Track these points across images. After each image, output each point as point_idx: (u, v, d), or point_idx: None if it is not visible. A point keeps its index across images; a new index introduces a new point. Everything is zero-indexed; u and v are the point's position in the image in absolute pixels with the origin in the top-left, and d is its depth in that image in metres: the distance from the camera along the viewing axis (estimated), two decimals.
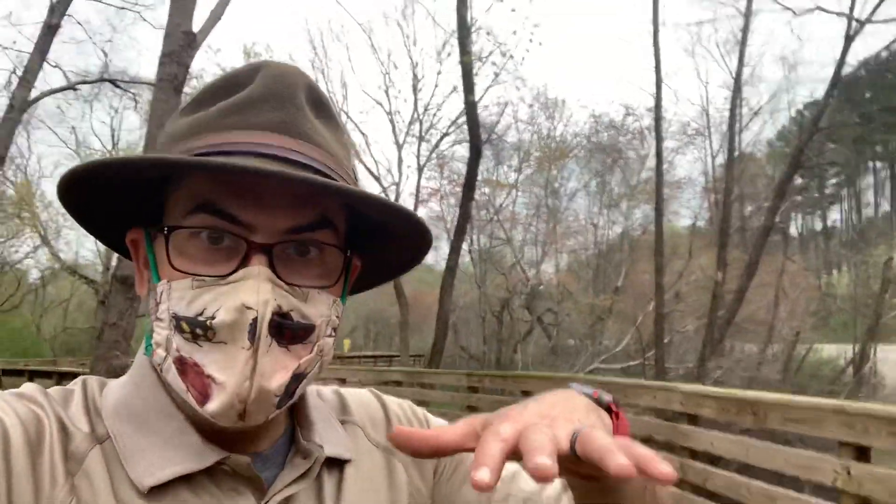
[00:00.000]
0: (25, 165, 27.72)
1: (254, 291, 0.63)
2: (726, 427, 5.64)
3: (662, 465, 0.44)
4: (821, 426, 4.08)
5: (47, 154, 50.38)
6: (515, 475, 0.83)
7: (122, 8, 15.98)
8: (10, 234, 28.53)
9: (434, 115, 24.52)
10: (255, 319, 0.62)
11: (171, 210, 0.68)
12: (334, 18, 44.50)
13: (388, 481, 0.81)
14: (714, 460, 5.42)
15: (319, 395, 0.84)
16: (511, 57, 19.57)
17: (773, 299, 24.60)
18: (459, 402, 10.09)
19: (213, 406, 0.63)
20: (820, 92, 16.85)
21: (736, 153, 23.01)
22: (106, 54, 17.53)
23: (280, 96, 0.69)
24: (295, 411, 0.77)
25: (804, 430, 4.35)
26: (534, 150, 28.79)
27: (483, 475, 0.43)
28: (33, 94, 13.12)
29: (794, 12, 16.71)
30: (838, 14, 15.95)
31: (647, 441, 5.77)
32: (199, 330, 0.63)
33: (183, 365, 0.64)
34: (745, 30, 18.57)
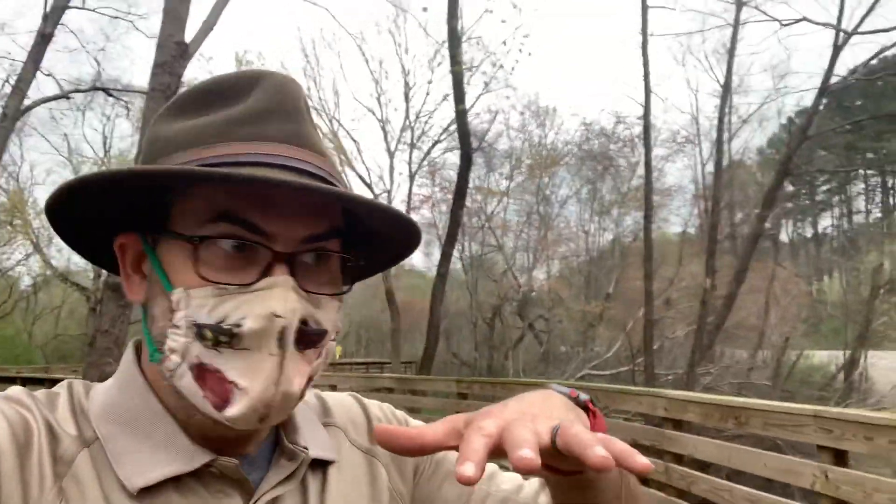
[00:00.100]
0: (17, 173, 27.71)
1: (282, 300, 0.64)
2: (717, 433, 5.73)
3: (639, 458, 0.47)
4: (800, 431, 4.16)
5: (40, 161, 50.22)
6: (494, 475, 0.85)
7: (116, 17, 16.08)
8: (2, 241, 28.46)
9: (426, 122, 24.60)
10: (283, 327, 0.64)
11: (180, 218, 0.68)
12: (326, 27, 44.50)
13: (370, 483, 0.82)
14: (704, 466, 5.50)
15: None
16: (501, 67, 19.69)
17: (764, 306, 24.71)
18: (450, 408, 10.14)
19: (233, 411, 0.64)
20: (810, 100, 17.03)
21: (726, 161, 23.18)
22: (99, 63, 17.69)
23: (286, 107, 0.70)
24: None
25: (784, 434, 4.43)
26: (525, 157, 28.89)
27: (467, 469, 0.45)
28: (26, 102, 13.15)
29: (781, 23, 16.86)
30: (824, 25, 16.11)
31: (633, 445, 5.84)
32: (223, 337, 0.64)
33: (202, 371, 0.65)
34: (734, 39, 18.74)
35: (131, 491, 0.64)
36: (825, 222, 58.82)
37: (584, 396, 0.64)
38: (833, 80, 16.75)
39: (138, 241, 0.72)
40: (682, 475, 5.28)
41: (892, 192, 55.67)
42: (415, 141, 24.73)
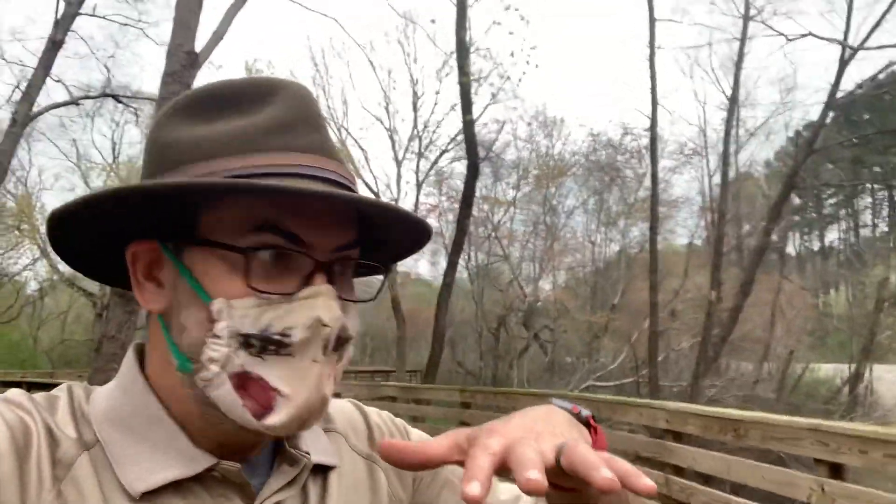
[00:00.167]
0: (26, 178, 27.87)
1: (328, 309, 0.66)
2: (721, 445, 5.74)
3: (644, 480, 0.47)
4: (798, 444, 4.19)
5: (48, 167, 50.51)
6: (492, 486, 0.87)
7: (126, 25, 16.18)
8: (10, 245, 28.66)
9: (433, 131, 24.68)
10: (329, 335, 0.66)
11: (214, 227, 0.67)
12: (336, 36, 44.73)
13: (371, 488, 0.82)
14: (707, 479, 5.52)
15: None
16: (508, 78, 19.76)
17: (770, 318, 24.66)
18: (453, 417, 10.18)
19: (275, 419, 0.65)
20: (817, 114, 17.05)
21: (733, 174, 23.19)
22: (108, 69, 17.69)
23: (310, 118, 0.71)
24: None
25: (782, 447, 4.48)
26: (532, 167, 28.92)
27: (474, 489, 0.46)
28: (36, 108, 13.26)
29: (787, 38, 16.90)
30: (829, 40, 16.15)
31: (635, 457, 5.88)
32: (270, 346, 0.64)
33: (244, 380, 0.65)
34: (740, 53, 18.80)
35: (134, 495, 0.64)
36: (832, 235, 58.69)
37: (585, 412, 0.65)
38: (840, 94, 16.79)
39: (153, 249, 0.70)
40: (682, 487, 5.31)
41: None
42: (422, 150, 24.81)
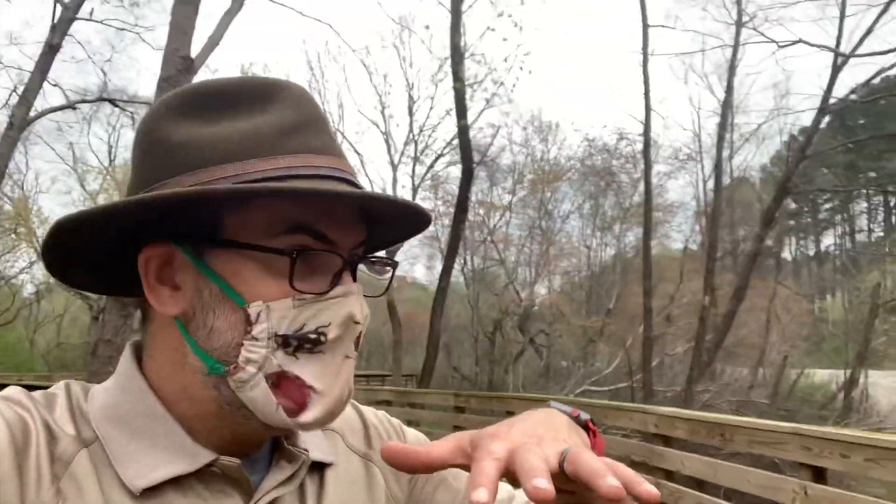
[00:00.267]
0: (22, 181, 27.89)
1: (359, 306, 0.69)
2: (716, 450, 5.80)
3: (647, 486, 0.47)
4: (782, 448, 4.25)
5: (45, 170, 50.50)
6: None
7: (122, 29, 16.17)
8: (6, 249, 28.65)
9: (429, 136, 24.75)
10: (359, 331, 0.69)
11: (242, 229, 0.67)
12: (331, 40, 44.77)
13: (367, 486, 0.82)
14: (700, 484, 5.57)
15: None
16: (502, 84, 19.84)
17: (765, 324, 24.72)
18: (447, 421, 10.23)
19: (310, 415, 0.67)
20: (811, 119, 17.15)
21: (728, 179, 23.28)
22: (105, 74, 17.69)
23: (319, 119, 0.72)
24: None
25: (768, 451, 4.53)
26: (528, 172, 28.99)
27: (481, 495, 0.45)
28: (32, 112, 13.30)
29: (779, 44, 17.00)
30: (820, 47, 16.25)
31: (628, 462, 5.93)
32: (308, 345, 0.66)
33: (281, 379, 0.66)
34: (733, 59, 18.90)
35: (134, 491, 0.64)
36: (828, 240, 58.82)
37: (584, 416, 0.66)
38: (833, 100, 16.88)
39: (167, 252, 0.69)
40: (671, 491, 5.36)
41: (893, 211, 55.65)
42: (418, 154, 24.89)
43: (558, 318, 28.41)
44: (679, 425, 5.38)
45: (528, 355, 27.42)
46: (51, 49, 12.03)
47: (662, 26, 20.70)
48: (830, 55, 16.35)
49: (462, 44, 15.34)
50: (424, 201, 28.03)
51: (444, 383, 23.95)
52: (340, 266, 0.69)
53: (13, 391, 0.68)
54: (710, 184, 24.53)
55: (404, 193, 25.51)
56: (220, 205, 0.67)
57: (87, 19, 14.53)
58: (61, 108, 16.40)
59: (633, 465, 5.82)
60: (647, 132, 17.83)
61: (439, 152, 24.78)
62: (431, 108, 27.94)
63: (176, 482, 0.66)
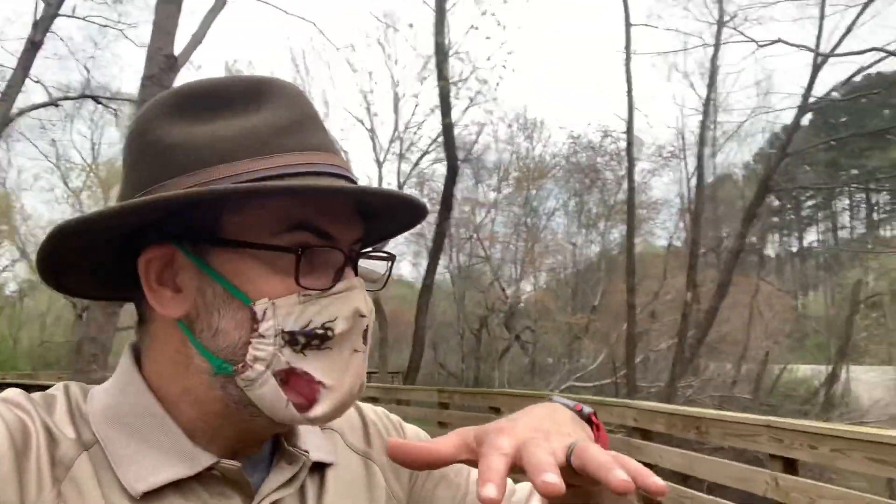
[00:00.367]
0: (5, 178, 27.76)
1: (363, 300, 0.69)
2: (699, 445, 5.88)
3: (654, 479, 0.47)
4: (755, 441, 4.34)
5: (27, 167, 50.04)
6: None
7: (105, 26, 16.15)
8: None
9: (414, 133, 24.78)
10: (366, 325, 0.70)
11: (243, 228, 0.67)
12: (316, 38, 44.71)
13: (367, 485, 0.82)
14: (685, 478, 5.65)
15: None
16: (485, 82, 19.91)
17: (748, 320, 24.90)
18: (432, 417, 10.28)
19: (319, 410, 0.67)
20: (792, 116, 17.32)
21: (711, 176, 23.43)
22: (88, 70, 17.60)
23: (313, 116, 0.73)
24: None
25: (742, 444, 4.62)
26: (513, 169, 29.05)
27: (490, 491, 0.45)
28: (15, 109, 13.24)
29: (758, 44, 17.15)
30: (799, 47, 16.41)
31: None
32: (315, 341, 0.66)
33: (290, 376, 0.66)
34: (714, 58, 19.06)
35: (134, 495, 0.64)
36: (811, 237, 59.31)
37: (587, 409, 0.65)
38: (813, 98, 17.05)
39: (167, 254, 0.69)
40: None
41: (875, 208, 56.18)
42: (403, 152, 24.93)
43: (544, 314, 28.49)
44: (658, 419, 5.47)
45: (514, 352, 27.50)
46: (33, 46, 12.00)
47: (645, 25, 20.70)
48: (810, 56, 16.55)
49: (446, 42, 15.40)
50: None
51: (430, 380, 23.98)
52: (342, 262, 0.69)
53: (12, 393, 0.68)
54: (695, 181, 24.73)
55: None
56: (220, 205, 0.67)
57: (69, 16, 14.53)
58: (44, 106, 16.36)
59: None
60: (630, 130, 17.93)
61: (424, 150, 24.83)
62: (417, 106, 27.94)
63: (176, 485, 0.66)
